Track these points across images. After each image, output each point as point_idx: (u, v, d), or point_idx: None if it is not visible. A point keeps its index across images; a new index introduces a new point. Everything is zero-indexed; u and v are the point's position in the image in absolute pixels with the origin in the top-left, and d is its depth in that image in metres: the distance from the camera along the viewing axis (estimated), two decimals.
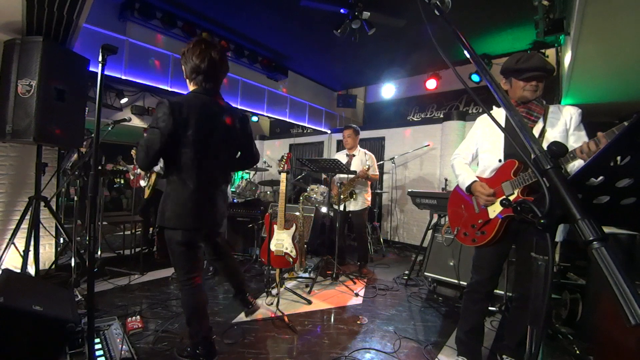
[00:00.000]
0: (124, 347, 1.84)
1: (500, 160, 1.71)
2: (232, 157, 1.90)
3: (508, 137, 1.66)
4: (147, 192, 4.10)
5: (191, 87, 1.74)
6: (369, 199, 3.83)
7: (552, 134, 1.60)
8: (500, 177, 1.66)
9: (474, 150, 1.88)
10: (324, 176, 3.99)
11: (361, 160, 3.75)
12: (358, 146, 3.91)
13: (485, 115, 1.84)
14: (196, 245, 1.76)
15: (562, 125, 1.61)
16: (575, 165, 1.47)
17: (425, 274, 3.19)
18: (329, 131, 7.28)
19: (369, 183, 3.82)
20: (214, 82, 1.74)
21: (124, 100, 5.97)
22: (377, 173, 3.84)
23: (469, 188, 1.76)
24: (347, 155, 3.88)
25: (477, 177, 1.78)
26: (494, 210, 1.67)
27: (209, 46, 1.68)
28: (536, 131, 1.64)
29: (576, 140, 1.57)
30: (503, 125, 1.62)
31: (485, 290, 1.81)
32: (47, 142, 2.62)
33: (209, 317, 1.85)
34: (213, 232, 1.89)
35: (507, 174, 1.63)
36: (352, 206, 3.73)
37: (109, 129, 3.16)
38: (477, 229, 1.74)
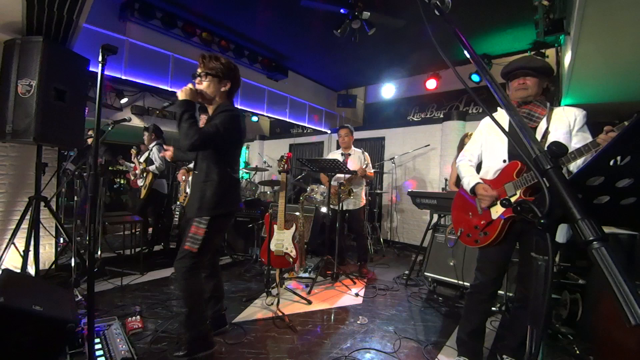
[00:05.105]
0: (124, 347, 1.84)
1: (504, 161, 1.70)
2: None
3: (510, 138, 1.66)
4: (143, 192, 4.10)
5: (226, 102, 2.01)
6: (364, 197, 3.85)
7: (555, 135, 1.60)
8: (503, 178, 1.66)
9: (479, 152, 1.89)
10: None
11: (359, 158, 3.77)
12: (352, 145, 3.94)
13: (489, 117, 1.86)
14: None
15: (566, 126, 1.61)
16: (578, 163, 1.46)
17: (425, 274, 3.19)
18: (329, 131, 7.28)
19: (364, 181, 3.84)
20: None
21: (124, 100, 5.97)
22: (372, 171, 3.88)
23: (472, 190, 1.77)
24: (342, 154, 3.90)
25: (482, 178, 1.78)
26: (497, 211, 1.67)
27: None
28: (539, 132, 1.63)
29: (579, 141, 1.56)
30: (507, 125, 1.62)
31: (489, 291, 1.80)
32: (47, 142, 2.62)
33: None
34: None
35: (510, 175, 1.63)
36: (350, 205, 3.74)
37: (109, 129, 3.15)
38: (480, 230, 1.74)
